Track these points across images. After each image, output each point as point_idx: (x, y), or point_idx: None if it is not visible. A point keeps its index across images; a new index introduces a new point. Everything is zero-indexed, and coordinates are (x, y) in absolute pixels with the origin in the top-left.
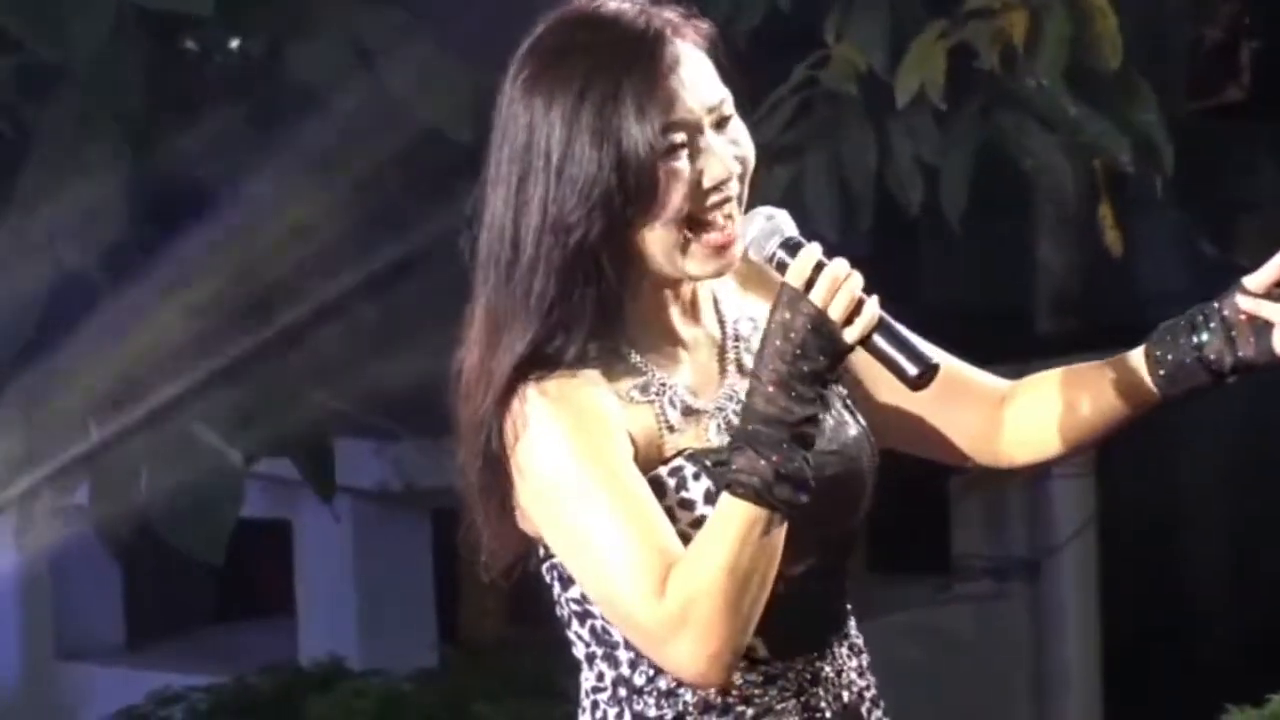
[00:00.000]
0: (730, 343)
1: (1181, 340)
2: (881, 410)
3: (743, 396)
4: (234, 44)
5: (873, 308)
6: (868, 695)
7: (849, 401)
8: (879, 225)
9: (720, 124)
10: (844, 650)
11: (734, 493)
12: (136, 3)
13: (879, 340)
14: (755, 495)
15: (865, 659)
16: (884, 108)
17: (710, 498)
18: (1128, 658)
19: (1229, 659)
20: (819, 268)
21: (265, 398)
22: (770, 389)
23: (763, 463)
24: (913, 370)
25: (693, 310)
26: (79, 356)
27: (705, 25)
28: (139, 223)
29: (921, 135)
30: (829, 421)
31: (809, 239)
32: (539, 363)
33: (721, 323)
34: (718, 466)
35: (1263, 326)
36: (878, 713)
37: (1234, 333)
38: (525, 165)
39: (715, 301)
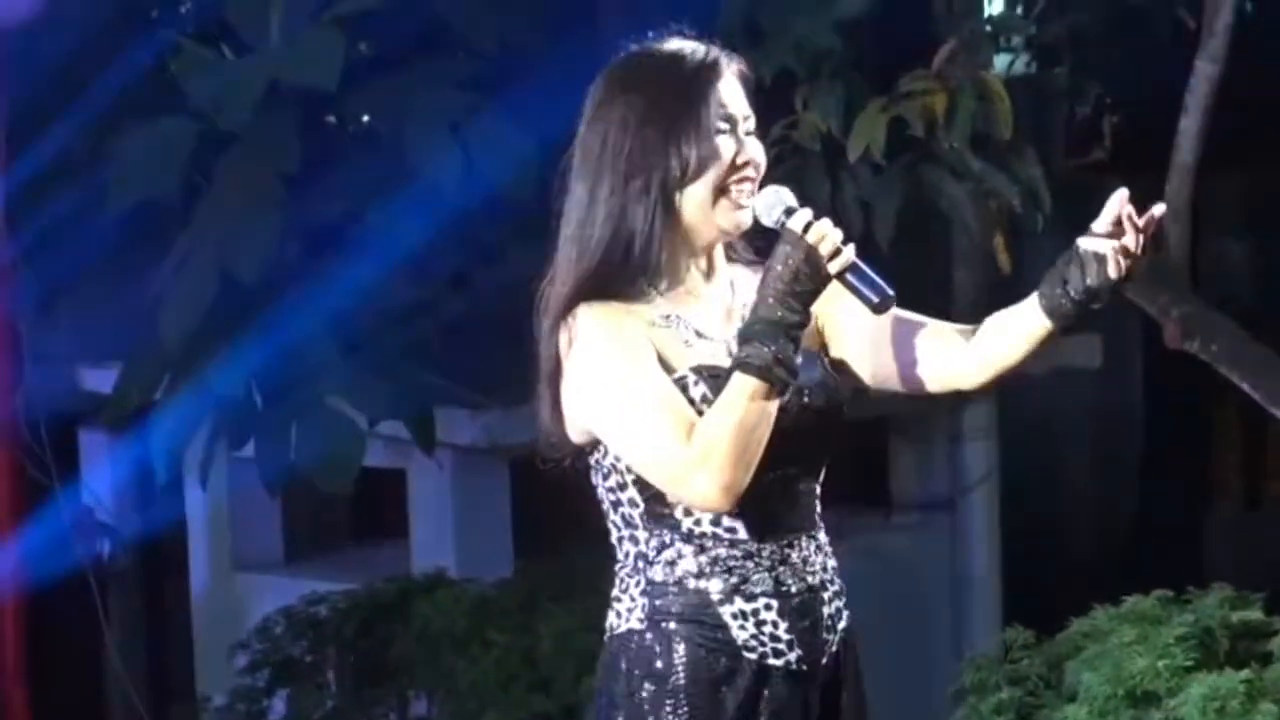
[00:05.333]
0: (739, 306)
1: (1052, 282)
2: (883, 359)
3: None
4: (364, 119)
5: (850, 253)
6: (830, 586)
7: (830, 365)
8: None
9: (748, 131)
10: (811, 546)
11: (744, 371)
12: (273, 77)
13: (850, 276)
14: (757, 372)
15: (833, 564)
16: (837, 160)
17: (705, 400)
18: (1020, 572)
19: (1096, 571)
20: (811, 222)
21: (384, 378)
22: (771, 300)
23: (765, 350)
24: (875, 298)
25: (709, 278)
26: (246, 346)
27: (742, 63)
28: (290, 247)
29: (863, 181)
30: (818, 371)
31: None
32: (591, 292)
33: (734, 292)
34: (713, 379)
35: (1102, 258)
36: (839, 603)
37: (1084, 268)
38: (614, 139)
39: (732, 282)
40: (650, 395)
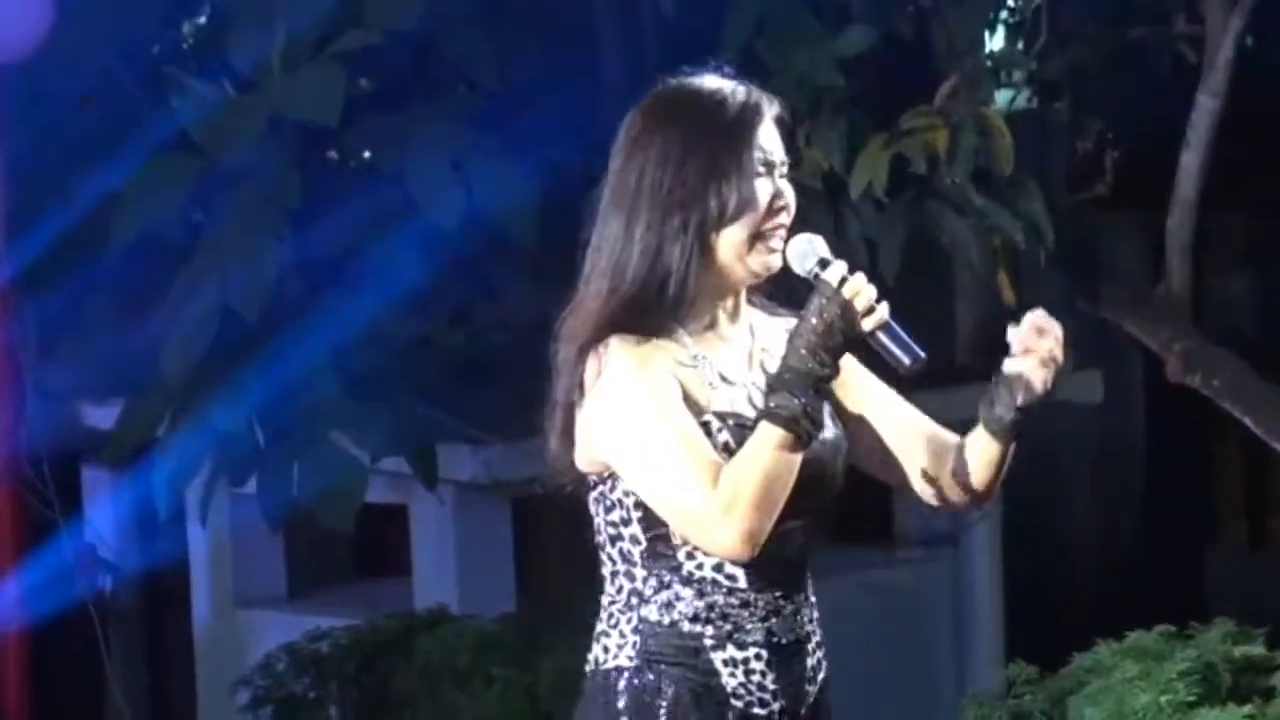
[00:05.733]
0: (758, 350)
1: (987, 405)
2: (875, 450)
3: (764, 384)
4: (365, 155)
5: (884, 310)
6: (813, 638)
7: (838, 420)
8: None
9: (783, 175)
10: (801, 597)
11: (772, 421)
12: (274, 112)
13: (881, 335)
14: (785, 423)
15: (816, 614)
16: (840, 197)
17: (727, 447)
18: (1022, 606)
19: (1098, 606)
20: (846, 276)
21: (385, 414)
22: (803, 351)
23: (794, 401)
24: (906, 359)
25: (734, 320)
26: (248, 382)
27: (781, 106)
28: (291, 283)
29: (866, 218)
30: (830, 431)
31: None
32: (622, 325)
33: (753, 336)
34: (739, 427)
35: (1022, 378)
36: (819, 654)
37: (1011, 388)
38: (651, 175)
39: (751, 325)
40: (676, 434)
